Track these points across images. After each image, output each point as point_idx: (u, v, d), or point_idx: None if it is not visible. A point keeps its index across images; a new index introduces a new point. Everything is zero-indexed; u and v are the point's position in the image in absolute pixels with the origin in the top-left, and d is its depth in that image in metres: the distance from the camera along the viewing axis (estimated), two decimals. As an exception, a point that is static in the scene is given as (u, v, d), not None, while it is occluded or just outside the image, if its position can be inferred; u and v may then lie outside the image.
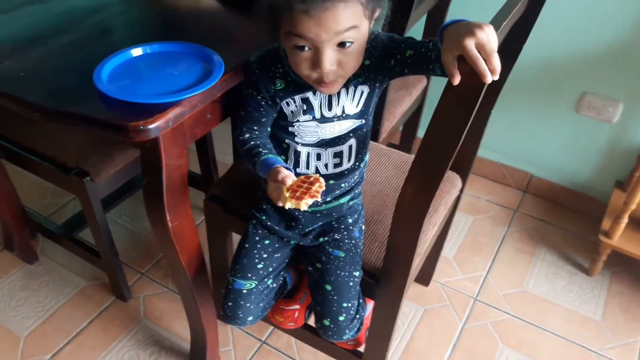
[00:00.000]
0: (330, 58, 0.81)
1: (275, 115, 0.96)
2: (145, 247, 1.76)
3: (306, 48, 0.81)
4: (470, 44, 0.69)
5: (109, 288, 1.60)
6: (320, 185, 0.80)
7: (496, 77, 0.71)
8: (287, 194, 0.79)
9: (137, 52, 0.96)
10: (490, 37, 0.70)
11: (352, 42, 0.81)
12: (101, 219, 1.37)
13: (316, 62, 0.81)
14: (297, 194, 0.79)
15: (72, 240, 1.59)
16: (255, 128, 0.97)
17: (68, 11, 1.15)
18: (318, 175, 0.82)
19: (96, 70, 0.90)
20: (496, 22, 0.82)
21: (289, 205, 0.79)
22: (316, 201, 0.79)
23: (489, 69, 0.70)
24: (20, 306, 1.56)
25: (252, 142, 0.95)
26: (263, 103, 0.94)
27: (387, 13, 0.88)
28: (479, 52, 0.70)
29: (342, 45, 0.81)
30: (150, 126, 0.80)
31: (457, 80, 0.73)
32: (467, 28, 0.71)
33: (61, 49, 1.02)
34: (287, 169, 0.86)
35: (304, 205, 0.78)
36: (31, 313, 1.54)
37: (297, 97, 0.93)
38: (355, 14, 0.79)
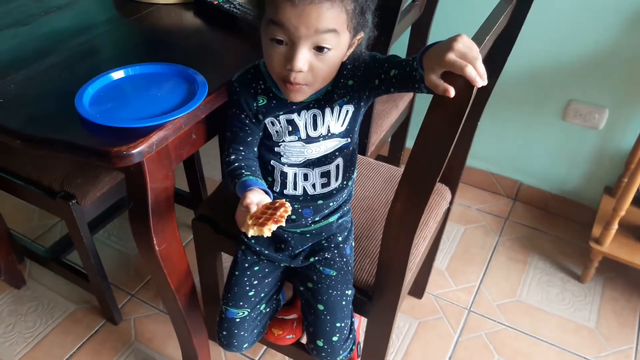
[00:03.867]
0: (304, 57, 0.80)
1: (260, 134, 0.95)
2: (134, 268, 1.73)
3: (283, 43, 0.80)
4: (452, 56, 0.70)
5: (99, 311, 1.58)
6: (286, 210, 0.78)
7: (485, 82, 0.71)
8: (250, 222, 0.76)
9: (119, 74, 0.95)
10: (469, 45, 0.70)
11: (329, 49, 0.80)
12: (88, 241, 1.35)
13: (290, 58, 0.80)
14: (261, 220, 0.76)
15: (60, 264, 1.57)
16: (242, 148, 0.95)
17: (51, 33, 1.14)
18: (284, 200, 0.80)
19: (78, 94, 0.88)
20: (479, 36, 0.82)
21: (251, 232, 0.76)
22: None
23: None
24: (8, 332, 1.53)
25: (236, 164, 0.92)
26: (247, 122, 0.93)
27: (371, 31, 0.87)
28: None
29: (319, 50, 0.80)
30: (133, 151, 0.79)
31: (452, 92, 0.71)
32: (444, 45, 0.72)
33: (44, 73, 1.00)
34: (266, 192, 0.83)
35: (267, 231, 0.75)
36: (20, 339, 1.51)
37: (282, 118, 0.92)
38: (338, 19, 0.78)
